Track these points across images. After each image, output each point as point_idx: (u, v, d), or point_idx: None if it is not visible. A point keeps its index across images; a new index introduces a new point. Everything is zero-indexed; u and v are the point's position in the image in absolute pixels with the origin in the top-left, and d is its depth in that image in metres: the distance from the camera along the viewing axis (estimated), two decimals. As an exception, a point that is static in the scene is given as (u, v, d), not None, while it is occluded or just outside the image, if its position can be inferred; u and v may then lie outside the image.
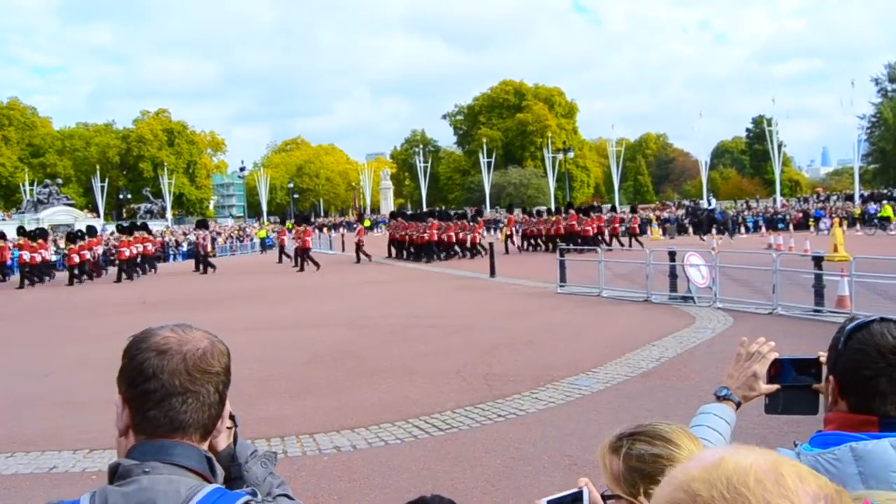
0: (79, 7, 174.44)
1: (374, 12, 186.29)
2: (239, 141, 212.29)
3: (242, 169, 64.67)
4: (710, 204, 37.50)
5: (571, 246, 29.40)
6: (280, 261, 32.63)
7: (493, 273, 21.78)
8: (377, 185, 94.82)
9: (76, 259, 28.81)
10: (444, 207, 68.96)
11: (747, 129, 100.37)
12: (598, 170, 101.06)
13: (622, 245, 31.70)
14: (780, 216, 50.43)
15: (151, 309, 18.77)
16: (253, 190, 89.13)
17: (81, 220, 52.21)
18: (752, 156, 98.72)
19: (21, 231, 31.69)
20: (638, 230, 34.81)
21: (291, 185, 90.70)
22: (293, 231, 33.61)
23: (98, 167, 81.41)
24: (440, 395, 8.27)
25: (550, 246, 32.20)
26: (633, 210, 39.16)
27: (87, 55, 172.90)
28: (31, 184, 71.16)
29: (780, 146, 65.08)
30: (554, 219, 33.56)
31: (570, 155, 75.16)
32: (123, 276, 28.42)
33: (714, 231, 36.50)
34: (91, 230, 31.13)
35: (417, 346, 11.40)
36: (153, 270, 31.54)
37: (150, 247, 31.74)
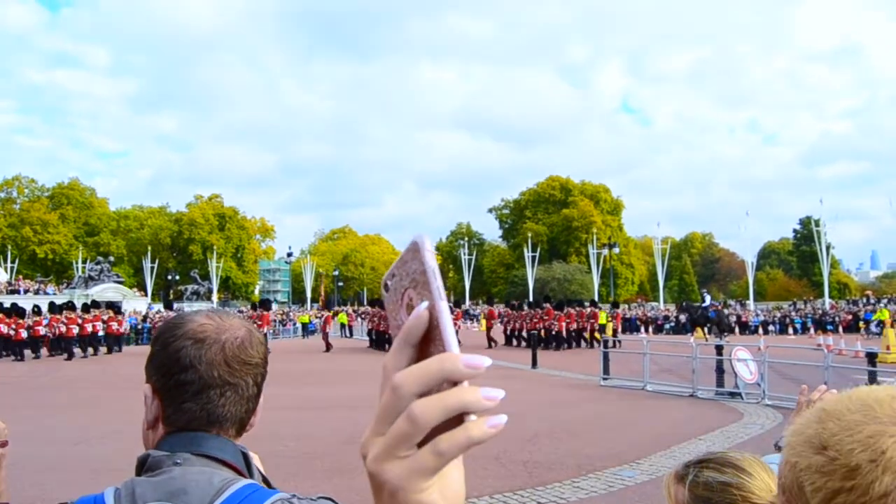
0: (147, 97, 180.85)
1: (425, 109, 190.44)
2: (288, 228, 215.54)
3: (290, 255, 65.56)
4: (704, 301, 36.90)
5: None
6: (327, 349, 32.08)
7: (534, 364, 21.51)
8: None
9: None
10: (486, 300, 68.78)
11: (794, 231, 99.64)
12: (643, 267, 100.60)
13: (598, 342, 30.73)
14: (828, 318, 49.42)
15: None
16: (298, 276, 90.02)
17: (129, 298, 53.00)
18: (799, 257, 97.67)
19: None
20: (620, 327, 33.79)
21: (337, 272, 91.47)
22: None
23: (150, 248, 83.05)
24: (478, 481, 8.05)
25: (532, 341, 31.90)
26: (615, 305, 38.13)
27: (150, 142, 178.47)
28: (84, 261, 72.75)
29: (828, 248, 64.34)
30: (533, 313, 32.25)
31: (615, 251, 75.02)
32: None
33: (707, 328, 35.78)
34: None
35: (457, 431, 11.19)
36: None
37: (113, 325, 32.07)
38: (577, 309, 32.01)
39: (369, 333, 33.84)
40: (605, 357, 17.66)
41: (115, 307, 34.08)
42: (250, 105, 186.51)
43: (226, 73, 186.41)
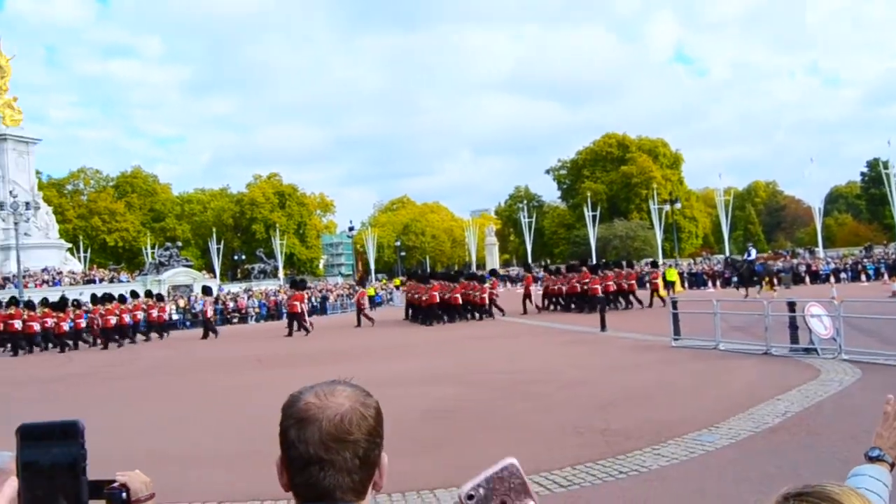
0: (201, 81, 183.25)
1: (475, 74, 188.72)
2: (347, 201, 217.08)
3: (351, 229, 66.06)
4: (749, 255, 35.39)
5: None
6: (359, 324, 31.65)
7: (603, 327, 21.50)
8: (482, 241, 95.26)
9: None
10: (547, 262, 68.55)
11: (862, 174, 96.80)
12: (706, 220, 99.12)
13: (640, 303, 30.07)
14: (904, 262, 48.14)
15: (265, 366, 19.30)
16: (361, 249, 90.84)
17: (200, 281, 54.16)
18: (868, 200, 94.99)
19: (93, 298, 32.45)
20: (659, 286, 32.59)
21: (398, 243, 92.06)
22: (399, 288, 33.67)
23: (214, 230, 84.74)
24: (558, 452, 8.15)
25: (572, 305, 31.03)
26: (654, 265, 36.90)
27: (207, 125, 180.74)
28: (153, 247, 74.59)
29: (899, 189, 62.49)
30: (571, 276, 31.65)
31: (677, 206, 73.90)
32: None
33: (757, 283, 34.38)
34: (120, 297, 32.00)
35: (531, 401, 11.29)
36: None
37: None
38: (616, 270, 31.43)
39: (407, 305, 33.72)
40: (675, 318, 17.55)
41: (157, 296, 34.65)
42: (302, 82, 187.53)
43: (276, 53, 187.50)
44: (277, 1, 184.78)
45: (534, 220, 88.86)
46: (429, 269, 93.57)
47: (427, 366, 16.70)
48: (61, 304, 30.42)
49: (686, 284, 45.51)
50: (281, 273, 75.26)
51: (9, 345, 29.25)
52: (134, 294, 32.96)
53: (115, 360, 23.75)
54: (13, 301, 30.99)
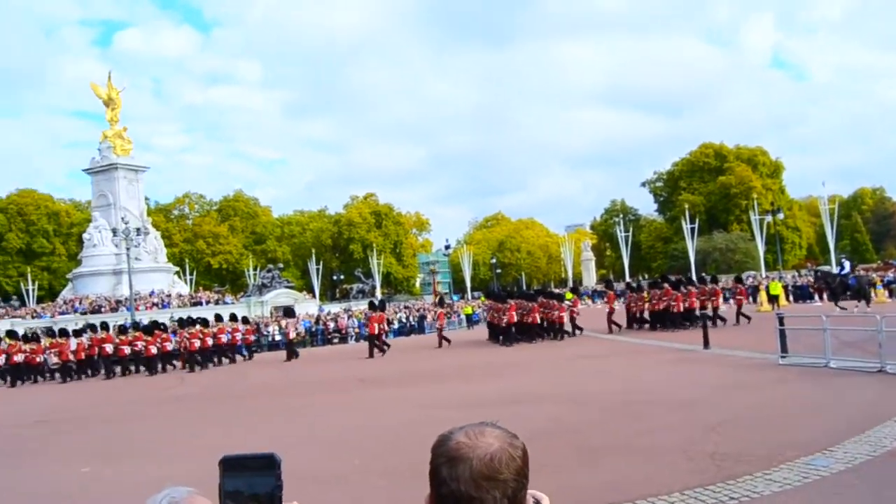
0: (299, 105, 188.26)
1: (567, 88, 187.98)
2: (443, 219, 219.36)
3: (447, 247, 66.64)
4: (842, 269, 33.43)
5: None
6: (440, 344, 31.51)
7: (706, 344, 21.06)
8: (578, 257, 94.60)
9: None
10: (645, 277, 67.53)
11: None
12: (810, 230, 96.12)
13: (724, 321, 28.57)
14: None
15: (368, 386, 19.63)
16: (457, 266, 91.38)
17: (300, 302, 55.39)
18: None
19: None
20: (745, 301, 31.20)
21: (494, 260, 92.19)
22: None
23: (313, 251, 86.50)
24: (666, 475, 8.06)
25: (658, 324, 29.78)
26: (739, 280, 35.08)
27: (305, 147, 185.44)
28: (255, 269, 76.72)
29: None
30: (653, 293, 30.53)
31: (779, 216, 71.79)
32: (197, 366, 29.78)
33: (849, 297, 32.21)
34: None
35: (637, 422, 11.19)
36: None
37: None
38: (699, 286, 30.35)
39: (488, 325, 33.33)
40: (782, 335, 17.08)
41: (243, 319, 35.35)
42: (397, 103, 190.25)
43: (372, 74, 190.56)
44: (372, 24, 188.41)
45: (630, 234, 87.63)
46: (525, 286, 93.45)
47: (524, 385, 16.70)
48: (150, 328, 31.39)
49: (791, 298, 44.15)
50: (378, 292, 76.25)
51: (101, 369, 30.18)
52: (218, 317, 33.72)
53: (224, 382, 24.50)
54: (103, 326, 32.13)
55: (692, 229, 75.95)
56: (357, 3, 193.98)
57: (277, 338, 41.71)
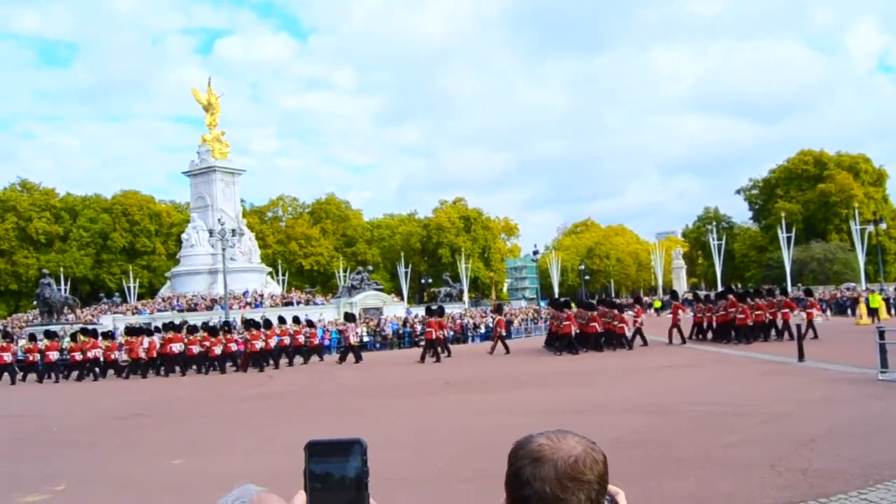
0: (391, 111, 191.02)
1: (660, 93, 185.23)
2: (531, 225, 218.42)
3: (536, 252, 66.28)
4: None
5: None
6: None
7: (801, 357, 20.40)
8: (669, 264, 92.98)
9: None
10: (738, 286, 65.91)
11: None
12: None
13: (791, 336, 26.73)
14: None
15: (451, 389, 19.70)
16: (545, 272, 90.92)
17: (389, 305, 55.96)
18: None
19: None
20: (815, 315, 29.63)
21: (582, 266, 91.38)
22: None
23: (402, 254, 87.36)
24: (754, 490, 7.84)
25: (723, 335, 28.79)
26: (809, 293, 33.27)
27: (396, 152, 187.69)
28: (345, 271, 77.90)
29: None
30: (720, 304, 29.48)
31: (882, 226, 69.11)
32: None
33: None
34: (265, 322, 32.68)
35: (724, 435, 10.91)
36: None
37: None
38: (768, 299, 29.17)
39: (548, 333, 32.87)
40: (882, 349, 16.43)
41: (308, 322, 35.77)
42: (487, 108, 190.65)
43: (462, 81, 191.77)
44: (463, 31, 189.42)
45: (723, 242, 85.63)
46: (613, 293, 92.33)
47: (604, 394, 16.47)
48: (214, 329, 32.11)
49: (892, 311, 42.47)
50: (466, 296, 76.49)
51: (162, 368, 31.00)
52: (281, 320, 34.13)
53: (310, 382, 24.93)
54: (171, 325, 33.01)
55: (788, 238, 73.75)
56: (448, 10, 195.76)
57: (365, 339, 42.29)
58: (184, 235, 60.30)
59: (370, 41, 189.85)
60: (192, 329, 32.50)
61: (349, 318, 34.59)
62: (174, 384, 27.28)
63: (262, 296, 54.45)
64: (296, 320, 35.48)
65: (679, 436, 11.09)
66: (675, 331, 29.77)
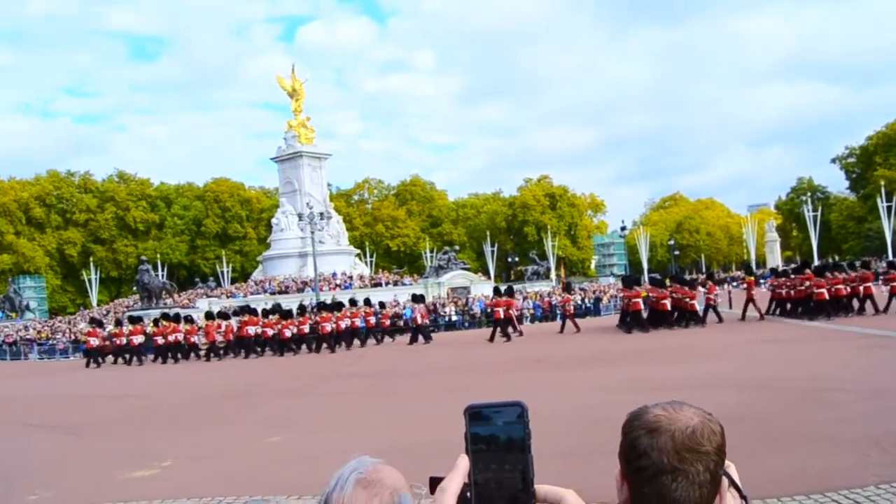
0: (472, 90, 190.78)
1: (748, 62, 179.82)
2: (618, 200, 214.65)
3: (623, 228, 65.38)
4: None
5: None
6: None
7: (905, 330, 19.70)
8: (762, 238, 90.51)
9: (328, 328, 31.11)
10: (835, 259, 63.80)
11: None
12: None
13: (876, 309, 26.04)
14: None
15: (543, 366, 19.66)
16: (633, 248, 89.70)
17: (476, 283, 56.07)
18: None
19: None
20: None
21: (671, 241, 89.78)
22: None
23: (488, 233, 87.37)
24: (860, 468, 7.59)
25: (798, 309, 27.72)
26: (893, 266, 31.52)
27: (479, 132, 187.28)
28: (431, 251, 78.38)
29: None
30: (796, 279, 28.25)
31: None
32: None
33: None
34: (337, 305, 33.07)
35: (826, 411, 10.59)
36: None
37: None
38: (847, 273, 28.00)
39: (621, 311, 32.01)
40: None
41: (380, 303, 36.06)
42: (570, 84, 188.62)
43: (544, 57, 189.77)
44: (544, 6, 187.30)
45: (819, 213, 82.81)
46: (704, 268, 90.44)
47: (699, 370, 16.12)
48: (286, 313, 32.65)
49: None
50: (553, 274, 76.09)
51: (242, 351, 31.70)
52: (353, 302, 34.47)
53: (400, 361, 25.21)
54: (251, 310, 33.74)
55: (888, 208, 70.91)
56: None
57: (454, 318, 42.56)
58: (274, 220, 61.59)
59: (449, 21, 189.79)
60: (266, 312, 33.36)
61: (416, 299, 34.69)
62: (258, 365, 28.01)
63: (350, 277, 55.26)
64: (367, 302, 35.93)
65: (779, 411, 10.83)
66: (749, 306, 28.98)
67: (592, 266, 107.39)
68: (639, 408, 1.60)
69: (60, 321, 58.61)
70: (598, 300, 48.23)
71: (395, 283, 55.54)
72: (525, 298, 46.34)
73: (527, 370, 19.07)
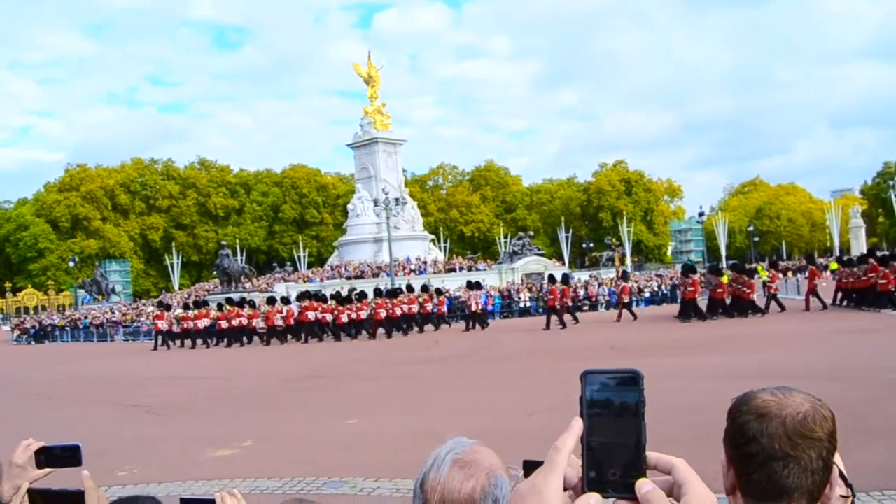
0: (548, 74, 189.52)
1: (831, 42, 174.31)
2: (695, 186, 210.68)
3: (701, 214, 64.17)
4: None
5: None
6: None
7: None
8: (846, 224, 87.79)
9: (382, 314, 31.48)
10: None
11: None
12: None
13: None
14: None
15: (618, 354, 19.48)
16: (711, 234, 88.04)
17: (550, 269, 55.73)
18: None
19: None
20: None
21: (751, 227, 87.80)
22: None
23: (562, 219, 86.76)
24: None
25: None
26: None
27: (554, 116, 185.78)
28: (505, 236, 78.21)
29: None
30: (861, 269, 27.17)
31: None
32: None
33: None
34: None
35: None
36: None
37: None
38: None
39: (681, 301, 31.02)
40: None
41: (436, 290, 36.04)
42: (646, 67, 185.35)
43: (620, 40, 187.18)
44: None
45: (907, 198, 79.91)
46: (784, 255, 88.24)
47: (796, 359, 15.69)
48: (345, 298, 33.23)
49: None
50: (629, 260, 75.29)
51: (303, 335, 32.34)
52: (410, 288, 34.66)
53: (475, 346, 25.26)
54: (309, 295, 34.34)
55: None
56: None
57: (528, 304, 42.44)
58: (349, 206, 62.17)
59: (524, 6, 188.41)
60: (323, 298, 34.11)
61: (472, 286, 34.64)
62: (322, 350, 28.48)
63: (424, 263, 55.51)
64: (424, 289, 36.12)
65: (867, 403, 10.47)
66: (810, 296, 28.06)
67: (669, 252, 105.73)
68: (745, 392, 1.57)
69: (144, 304, 60.44)
70: (675, 287, 47.48)
71: (470, 269, 55.59)
72: (600, 285, 45.92)
73: (603, 357, 18.92)
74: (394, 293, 33.14)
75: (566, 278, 32.76)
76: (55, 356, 35.00)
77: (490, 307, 40.68)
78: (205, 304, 37.35)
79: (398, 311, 32.06)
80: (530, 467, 1.18)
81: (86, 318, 52.18)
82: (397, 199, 48.80)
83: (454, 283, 43.69)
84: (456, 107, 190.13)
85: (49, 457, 2.39)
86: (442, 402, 13.55)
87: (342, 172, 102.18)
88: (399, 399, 14.44)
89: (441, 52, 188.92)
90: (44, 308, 75.59)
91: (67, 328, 51.18)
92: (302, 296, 34.76)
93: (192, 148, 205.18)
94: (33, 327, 53.24)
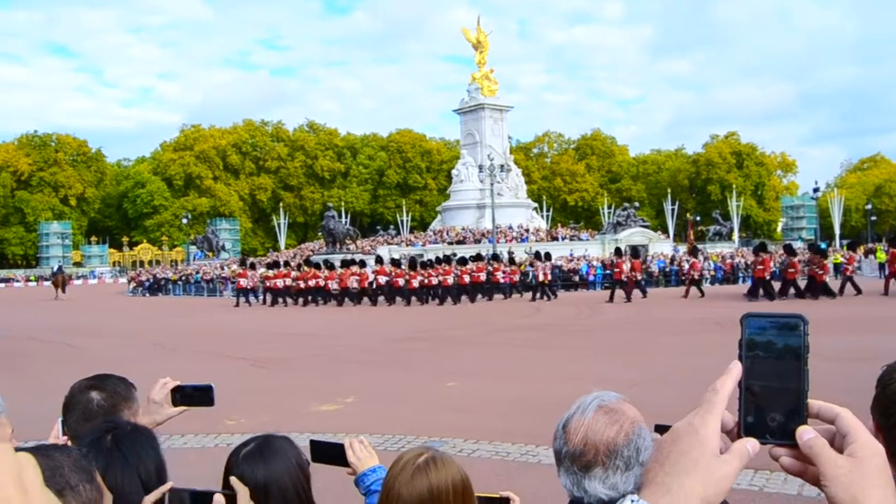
0: (661, 42, 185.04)
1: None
2: (811, 161, 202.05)
3: (816, 190, 61.84)
4: None
5: None
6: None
7: None
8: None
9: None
10: None
11: None
12: None
13: None
14: None
15: (722, 330, 19.07)
16: (825, 212, 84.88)
17: (654, 242, 54.81)
18: None
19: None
20: None
21: (869, 206, 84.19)
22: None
23: (669, 190, 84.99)
24: None
25: None
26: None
27: (665, 85, 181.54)
28: (609, 207, 77.21)
29: None
30: None
31: None
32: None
33: None
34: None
35: None
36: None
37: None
38: None
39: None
40: None
41: (511, 260, 36.52)
42: (765, 36, 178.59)
43: (739, 7, 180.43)
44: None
45: None
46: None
47: (862, 342, 15.04)
48: (420, 264, 34.45)
49: None
50: (736, 235, 73.28)
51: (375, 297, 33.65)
52: (479, 257, 35.30)
53: (574, 316, 25.19)
54: (380, 260, 36.38)
55: None
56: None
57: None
58: (454, 171, 62.33)
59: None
60: (396, 263, 35.31)
61: (539, 256, 34.26)
62: (406, 313, 28.95)
63: (527, 230, 55.33)
64: (495, 258, 36.19)
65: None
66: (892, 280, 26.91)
67: (779, 229, 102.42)
68: (890, 365, 1.54)
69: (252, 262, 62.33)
70: (782, 264, 46.09)
71: (572, 238, 55.14)
72: (706, 259, 44.94)
73: (707, 332, 18.54)
74: (462, 261, 33.88)
75: (636, 252, 32.44)
76: (168, 308, 36.63)
77: (592, 277, 40.39)
78: (286, 264, 39.74)
79: (466, 279, 32.79)
80: (662, 431, 1.18)
81: (197, 273, 54.14)
82: (502, 166, 48.69)
83: (557, 252, 43.38)
84: (564, 73, 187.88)
85: (183, 395, 2.55)
86: (539, 369, 13.61)
87: (447, 138, 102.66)
88: (497, 364, 14.54)
89: (551, 17, 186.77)
90: (157, 262, 79.00)
91: (179, 282, 53.26)
92: (377, 261, 36.32)
93: (302, 111, 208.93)
94: (148, 280, 55.69)
